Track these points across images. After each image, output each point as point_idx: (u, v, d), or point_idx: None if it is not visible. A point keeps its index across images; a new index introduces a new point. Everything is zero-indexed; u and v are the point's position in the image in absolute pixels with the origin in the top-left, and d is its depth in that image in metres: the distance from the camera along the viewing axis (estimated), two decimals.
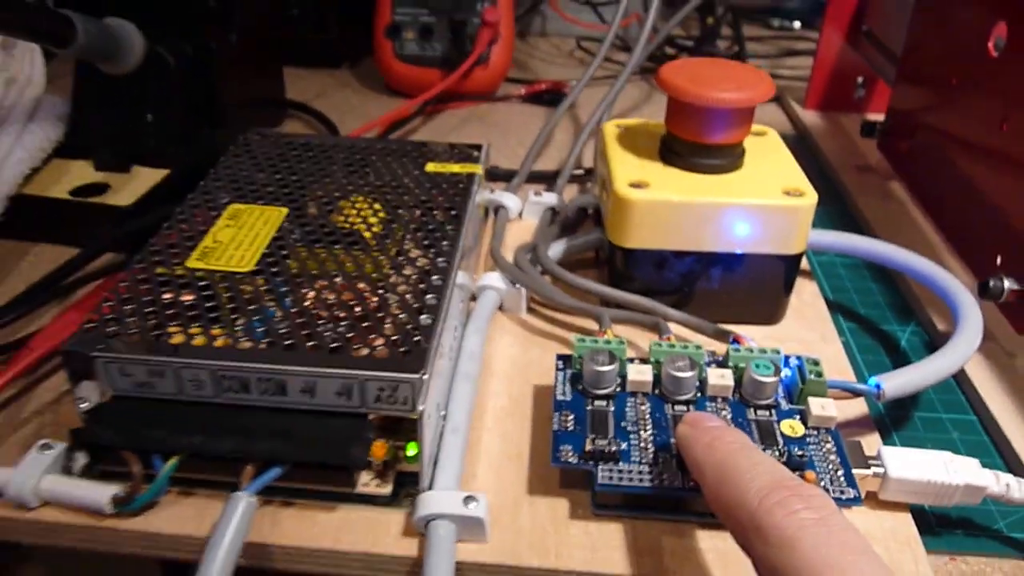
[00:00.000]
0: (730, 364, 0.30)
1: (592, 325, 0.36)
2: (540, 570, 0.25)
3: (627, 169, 0.35)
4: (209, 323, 0.27)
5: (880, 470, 0.27)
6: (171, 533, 0.26)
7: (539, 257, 0.37)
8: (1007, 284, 0.33)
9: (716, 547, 0.26)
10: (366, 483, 0.26)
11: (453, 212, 0.34)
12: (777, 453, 0.27)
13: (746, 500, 0.21)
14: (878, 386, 0.30)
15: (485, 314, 0.35)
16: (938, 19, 0.44)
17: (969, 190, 0.39)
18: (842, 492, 0.26)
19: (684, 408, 0.29)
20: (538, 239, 0.39)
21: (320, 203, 0.35)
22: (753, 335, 0.32)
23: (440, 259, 0.31)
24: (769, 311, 0.37)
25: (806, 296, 0.39)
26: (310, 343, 0.26)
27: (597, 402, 0.29)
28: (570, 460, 0.27)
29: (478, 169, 0.38)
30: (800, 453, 0.26)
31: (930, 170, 0.44)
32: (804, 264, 0.40)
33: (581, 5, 0.76)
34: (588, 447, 0.26)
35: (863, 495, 0.26)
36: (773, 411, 0.29)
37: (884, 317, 0.39)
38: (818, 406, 0.28)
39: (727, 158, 0.35)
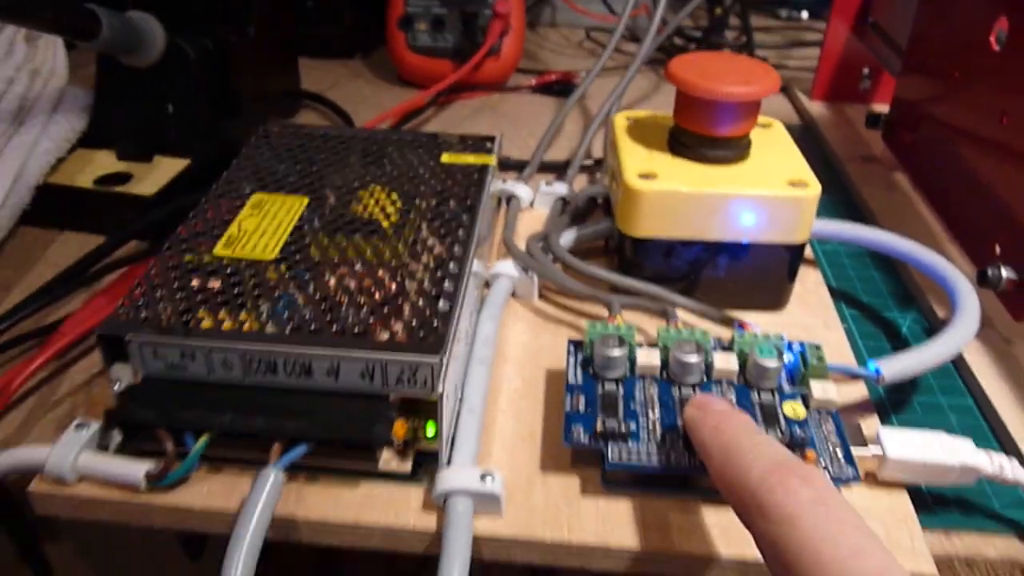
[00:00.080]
0: (735, 349, 0.31)
1: (602, 311, 0.37)
2: (553, 543, 0.26)
3: (636, 160, 0.36)
4: (237, 308, 0.28)
5: (879, 451, 0.28)
6: (202, 507, 0.27)
7: (550, 245, 0.38)
8: (1005, 273, 0.34)
9: (720, 523, 0.27)
10: (387, 461, 0.28)
11: (468, 202, 0.35)
12: (779, 434, 0.28)
13: (749, 479, 0.22)
14: (877, 370, 0.30)
15: (499, 301, 0.35)
16: (942, 12, 0.44)
17: (970, 182, 0.40)
18: (841, 471, 0.27)
19: (691, 391, 0.30)
20: (549, 228, 0.40)
21: (339, 192, 0.36)
22: (758, 321, 0.33)
23: (456, 247, 0.32)
24: (774, 298, 0.37)
25: (810, 284, 0.39)
26: (334, 328, 0.27)
27: (607, 385, 0.30)
28: (582, 440, 0.28)
29: (492, 160, 0.39)
30: (802, 433, 0.28)
31: (933, 161, 0.45)
32: (808, 252, 0.41)
33: None
34: (599, 427, 0.28)
35: (862, 475, 0.27)
36: (776, 394, 0.30)
37: (886, 304, 0.40)
38: (820, 389, 0.29)
39: (734, 150, 0.36)
